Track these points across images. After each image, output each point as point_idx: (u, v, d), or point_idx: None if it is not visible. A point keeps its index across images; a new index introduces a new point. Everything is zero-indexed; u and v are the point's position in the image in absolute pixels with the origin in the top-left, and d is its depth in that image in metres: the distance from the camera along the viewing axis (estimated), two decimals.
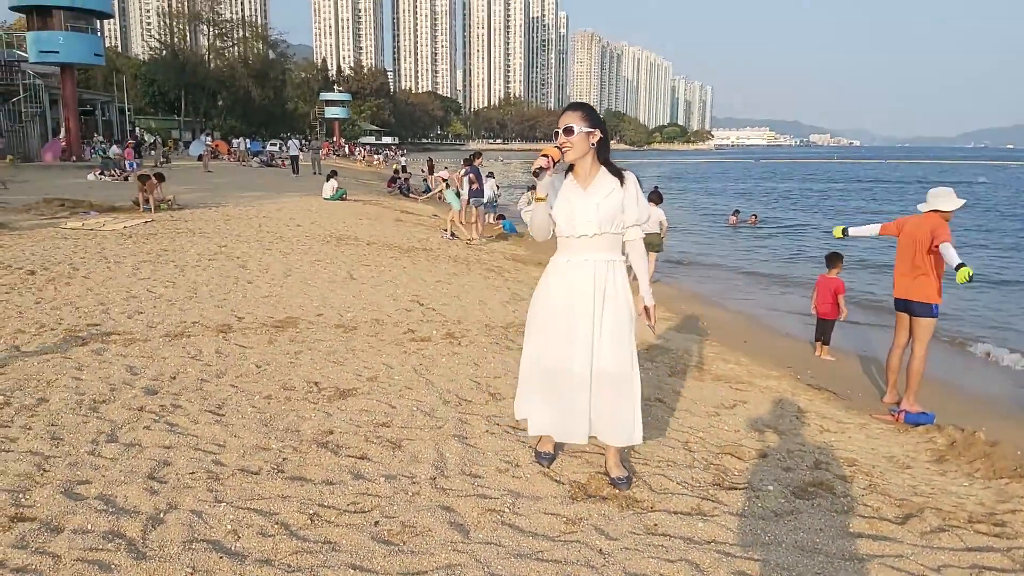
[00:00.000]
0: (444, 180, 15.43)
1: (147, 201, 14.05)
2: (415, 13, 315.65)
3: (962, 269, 5.21)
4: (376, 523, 2.85)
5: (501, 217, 17.77)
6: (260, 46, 78.42)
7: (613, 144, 3.54)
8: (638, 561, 2.71)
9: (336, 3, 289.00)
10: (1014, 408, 6.37)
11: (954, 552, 3.02)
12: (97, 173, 23.40)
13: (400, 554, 2.64)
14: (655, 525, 3.03)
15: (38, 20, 31.32)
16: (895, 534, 3.16)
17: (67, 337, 5.30)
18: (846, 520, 3.27)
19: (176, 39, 71.10)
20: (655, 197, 11.12)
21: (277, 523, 2.80)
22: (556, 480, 3.38)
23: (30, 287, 7.02)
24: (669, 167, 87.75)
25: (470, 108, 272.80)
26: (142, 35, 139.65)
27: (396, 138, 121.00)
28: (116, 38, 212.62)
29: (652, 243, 10.33)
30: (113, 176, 23.29)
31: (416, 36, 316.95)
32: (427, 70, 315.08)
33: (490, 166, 36.14)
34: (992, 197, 38.11)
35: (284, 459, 3.40)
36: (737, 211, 24.34)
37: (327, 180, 19.79)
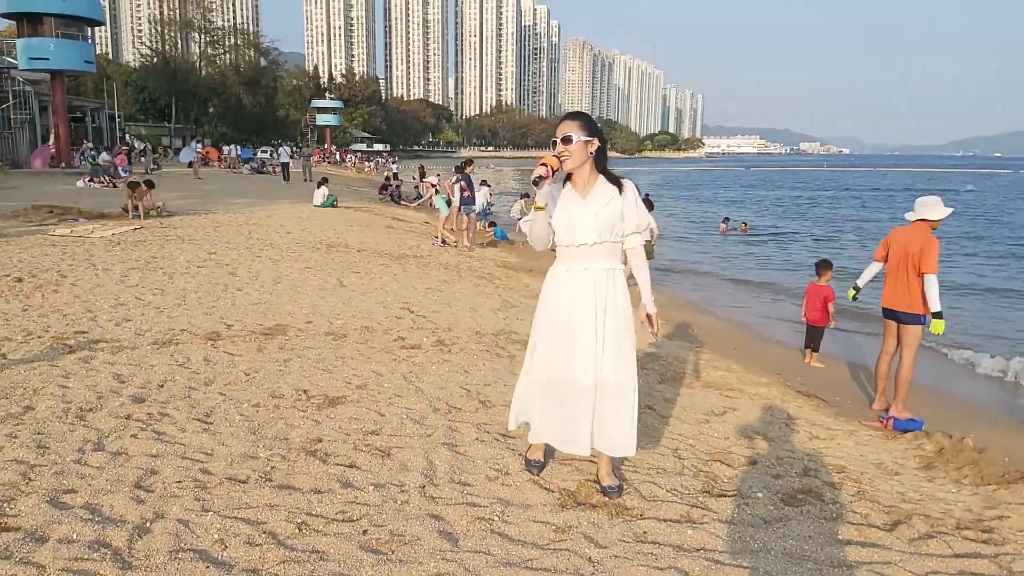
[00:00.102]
0: (434, 186, 15.44)
1: (136, 208, 14.00)
2: (407, 21, 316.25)
3: (937, 322, 5.52)
4: (364, 532, 2.84)
5: (492, 224, 17.77)
6: (252, 53, 78.42)
7: None
8: (627, 569, 2.71)
9: (328, 11, 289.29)
10: (1002, 415, 6.40)
11: (942, 559, 3.03)
12: (86, 180, 23.29)
13: (388, 563, 2.63)
14: (644, 533, 3.03)
15: (28, 27, 31.18)
16: (883, 541, 3.17)
17: (54, 345, 5.26)
18: (835, 527, 3.27)
19: (167, 46, 71.00)
20: (646, 204, 11.13)
21: (264, 532, 2.78)
22: (546, 488, 3.38)
23: (17, 294, 6.97)
24: (660, 175, 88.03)
25: (462, 115, 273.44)
26: (133, 42, 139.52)
27: (388, 145, 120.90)
28: (107, 45, 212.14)
29: (644, 250, 10.35)
30: (102, 183, 23.18)
31: (408, 44, 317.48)
32: (419, 78, 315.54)
33: (481, 173, 36.14)
34: (980, 205, 38.41)
35: (272, 467, 3.38)
36: (727, 219, 24.43)
37: (318, 187, 19.76)
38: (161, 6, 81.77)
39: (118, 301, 6.90)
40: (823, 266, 7.87)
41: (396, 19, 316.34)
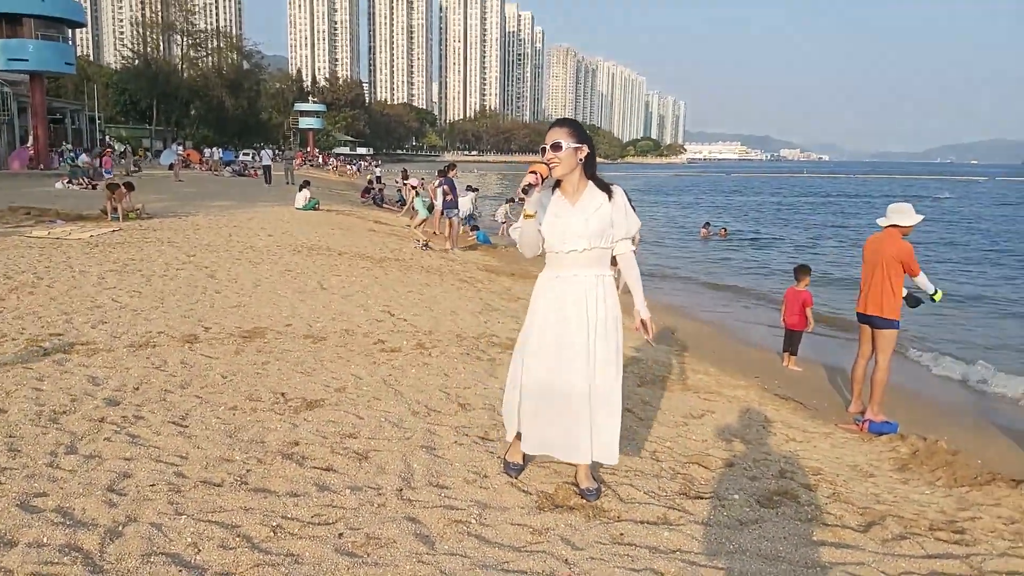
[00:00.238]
0: (414, 187, 15.40)
1: (115, 210, 13.86)
2: (391, 26, 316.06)
3: (937, 293, 5.97)
4: (340, 535, 2.83)
5: (475, 228, 17.77)
6: (234, 56, 78.02)
7: None
8: (603, 571, 2.71)
9: (312, 15, 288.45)
10: (976, 418, 6.49)
11: (915, 559, 3.06)
12: (65, 182, 23.04)
13: (364, 566, 2.62)
14: (621, 535, 3.03)
15: (7, 28, 30.89)
16: (857, 542, 3.20)
17: (29, 347, 5.19)
18: (810, 528, 3.30)
19: (149, 48, 70.49)
20: None
21: (239, 536, 2.76)
22: (523, 490, 3.38)
23: None
24: (642, 180, 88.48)
25: (446, 120, 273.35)
26: (115, 44, 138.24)
27: (371, 149, 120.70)
28: (88, 47, 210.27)
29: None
30: (81, 184, 22.95)
31: (392, 48, 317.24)
32: (403, 82, 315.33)
33: (466, 178, 36.11)
34: (956, 212, 38.93)
35: (248, 471, 3.35)
36: (708, 224, 24.60)
37: (300, 190, 19.67)
38: (143, 8, 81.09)
39: (95, 303, 6.83)
40: (801, 271, 7.94)
41: (380, 24, 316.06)
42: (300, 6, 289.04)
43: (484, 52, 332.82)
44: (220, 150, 50.79)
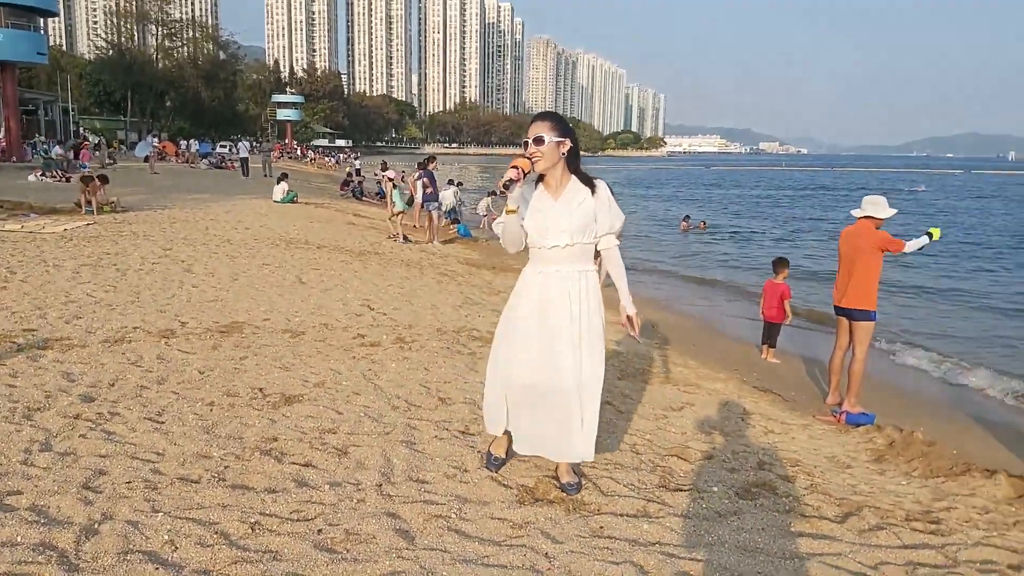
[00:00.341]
0: (391, 179, 15.29)
1: (89, 203, 13.66)
2: (370, 16, 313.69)
3: (934, 234, 5.92)
4: (319, 531, 2.81)
5: (456, 221, 17.71)
6: (210, 47, 77.05)
7: None
8: (583, 564, 2.72)
9: (289, 5, 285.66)
10: (951, 409, 6.58)
11: (891, 550, 3.10)
12: (38, 174, 22.67)
13: (343, 562, 2.60)
14: (601, 528, 3.04)
15: None
16: (834, 532, 3.23)
17: (1, 343, 5.11)
18: (787, 519, 3.33)
19: (123, 38, 69.46)
20: None
21: (216, 532, 2.73)
22: (504, 484, 3.37)
23: None
24: (623, 173, 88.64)
25: (425, 112, 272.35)
26: (88, 34, 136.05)
27: (350, 141, 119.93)
28: (61, 36, 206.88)
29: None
30: (55, 177, 22.59)
31: (371, 39, 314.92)
32: (382, 74, 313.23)
33: (447, 171, 35.88)
34: (932, 205, 39.39)
35: (226, 467, 3.32)
36: (688, 217, 24.71)
37: (278, 182, 19.51)
38: None
39: (69, 298, 6.73)
40: (780, 264, 8.00)
41: (359, 14, 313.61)
42: None
43: (464, 43, 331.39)
44: (196, 142, 50.16)
